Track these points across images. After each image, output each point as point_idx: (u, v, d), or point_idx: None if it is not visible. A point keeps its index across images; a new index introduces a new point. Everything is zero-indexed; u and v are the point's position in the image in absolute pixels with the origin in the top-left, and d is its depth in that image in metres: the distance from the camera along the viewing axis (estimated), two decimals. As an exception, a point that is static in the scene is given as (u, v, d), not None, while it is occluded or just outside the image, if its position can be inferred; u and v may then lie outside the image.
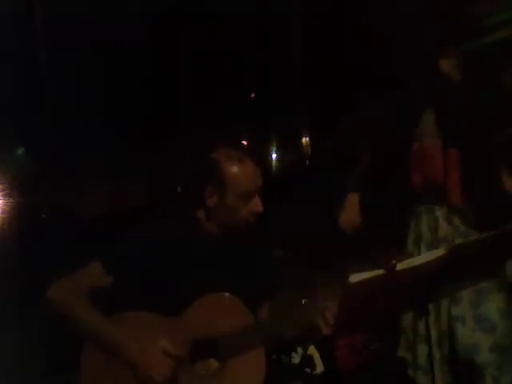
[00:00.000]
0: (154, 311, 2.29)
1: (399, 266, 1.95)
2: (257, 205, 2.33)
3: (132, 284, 2.30)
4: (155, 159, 4.13)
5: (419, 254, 2.75)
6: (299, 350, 3.03)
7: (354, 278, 1.90)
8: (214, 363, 2.28)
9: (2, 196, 3.74)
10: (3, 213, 3.74)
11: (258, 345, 2.25)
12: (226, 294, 2.28)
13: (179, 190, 4.04)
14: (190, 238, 2.36)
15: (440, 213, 2.79)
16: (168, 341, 2.23)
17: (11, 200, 3.74)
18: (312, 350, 3.07)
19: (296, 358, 3.03)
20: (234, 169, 2.31)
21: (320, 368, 3.06)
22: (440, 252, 2.01)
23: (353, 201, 2.96)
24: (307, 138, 4.30)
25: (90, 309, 2.26)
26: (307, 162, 4.31)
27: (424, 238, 2.80)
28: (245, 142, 4.27)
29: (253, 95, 4.30)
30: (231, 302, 2.28)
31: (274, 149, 4.40)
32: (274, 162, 4.40)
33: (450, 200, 2.77)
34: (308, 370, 2.98)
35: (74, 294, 2.27)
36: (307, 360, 3.02)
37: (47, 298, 2.29)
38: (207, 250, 2.36)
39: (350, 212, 2.95)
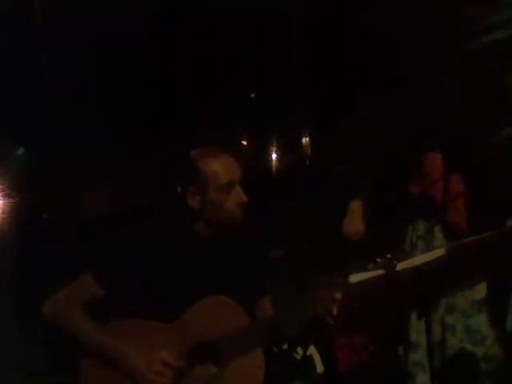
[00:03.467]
0: (151, 318, 2.28)
1: (399, 266, 1.95)
2: (240, 195, 2.32)
3: (126, 293, 2.29)
4: (155, 159, 4.13)
5: None
6: (299, 350, 3.03)
7: (354, 278, 1.91)
8: (213, 367, 2.28)
9: (2, 196, 3.74)
10: (3, 213, 3.74)
11: (257, 345, 2.24)
12: (223, 297, 2.28)
13: (179, 190, 4.04)
14: (181, 243, 2.34)
15: (437, 224, 2.79)
16: (168, 352, 2.23)
17: (11, 200, 3.74)
18: (312, 350, 3.07)
19: (296, 358, 3.03)
20: (209, 164, 2.31)
21: (320, 368, 3.07)
22: (440, 252, 2.01)
23: (356, 208, 2.93)
24: (307, 138, 4.30)
25: (87, 321, 2.25)
26: (307, 162, 4.31)
27: (419, 247, 2.80)
28: (245, 142, 4.27)
29: (253, 95, 4.30)
30: (228, 305, 2.27)
31: (274, 149, 4.40)
32: (273, 162, 4.40)
33: (449, 217, 2.75)
34: (308, 370, 2.98)
35: (69, 309, 2.25)
36: (307, 360, 3.03)
37: (43, 315, 2.29)
38: (200, 253, 2.35)
39: (354, 220, 2.92)
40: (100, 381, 2.26)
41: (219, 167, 2.31)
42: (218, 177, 2.30)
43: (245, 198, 2.32)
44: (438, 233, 2.77)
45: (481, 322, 2.67)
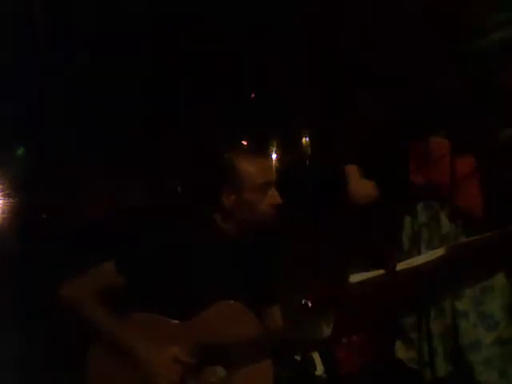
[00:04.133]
0: (167, 314, 2.29)
1: (399, 266, 1.95)
2: (275, 196, 2.36)
3: (145, 285, 2.30)
4: (155, 159, 4.13)
5: (418, 252, 2.74)
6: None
7: (354, 278, 1.91)
8: (222, 371, 2.28)
9: (2, 196, 3.74)
10: (3, 213, 3.73)
11: (267, 354, 2.24)
12: (236, 303, 2.28)
13: (179, 190, 4.04)
14: (205, 240, 2.35)
15: (441, 210, 2.77)
16: (179, 349, 2.23)
17: (11, 200, 3.74)
18: (312, 350, 3.07)
19: (296, 359, 3.03)
20: (248, 164, 2.34)
21: (320, 368, 3.07)
22: (440, 252, 2.02)
23: (354, 171, 2.82)
24: (307, 138, 4.30)
25: (103, 309, 2.27)
26: (307, 162, 4.31)
27: (423, 236, 2.78)
28: (245, 142, 4.26)
29: (253, 95, 4.30)
30: (241, 311, 2.28)
31: (274, 149, 4.39)
32: (273, 162, 4.40)
33: (458, 202, 2.73)
34: (308, 371, 2.98)
35: (86, 294, 2.28)
36: (308, 361, 3.03)
37: (59, 296, 2.30)
38: (223, 251, 2.36)
39: (359, 182, 2.77)
40: (108, 369, 2.26)
41: (256, 167, 2.35)
42: (254, 177, 2.33)
43: (279, 200, 2.35)
44: (444, 219, 2.75)
45: (493, 307, 2.68)
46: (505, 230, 2.06)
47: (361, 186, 2.75)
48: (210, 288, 2.28)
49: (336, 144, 3.31)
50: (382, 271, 1.94)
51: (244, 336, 2.23)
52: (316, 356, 3.07)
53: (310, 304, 2.32)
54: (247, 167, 2.34)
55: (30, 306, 3.47)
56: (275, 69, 4.07)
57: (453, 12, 2.86)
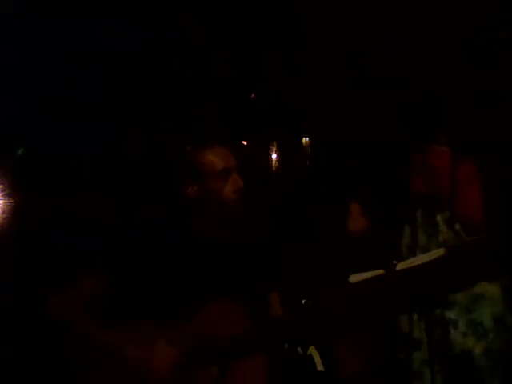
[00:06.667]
0: (155, 319, 2.28)
1: (399, 266, 1.95)
2: (236, 181, 2.38)
3: (128, 292, 2.29)
4: (154, 160, 4.13)
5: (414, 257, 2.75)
6: (299, 350, 3.03)
7: (354, 278, 1.91)
8: (215, 370, 2.28)
9: (2, 196, 3.73)
10: (3, 213, 3.73)
11: (260, 348, 2.24)
12: (227, 300, 2.28)
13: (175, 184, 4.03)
14: (182, 240, 2.36)
15: (440, 217, 2.78)
16: (167, 341, 2.23)
17: (11, 200, 3.74)
18: (312, 350, 3.07)
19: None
20: (205, 154, 2.39)
21: (320, 368, 3.06)
22: (440, 252, 2.02)
23: (355, 209, 3.02)
24: (307, 138, 4.31)
25: (90, 321, 2.26)
26: (307, 162, 4.31)
27: (420, 243, 2.80)
28: (245, 142, 4.27)
29: (253, 95, 4.30)
30: (232, 308, 2.28)
31: (274, 149, 4.40)
32: (273, 162, 4.40)
33: (457, 210, 2.75)
34: (307, 371, 2.98)
35: (72, 308, 2.27)
36: (307, 361, 3.02)
37: (47, 314, 2.30)
38: (202, 252, 2.36)
39: (356, 220, 3.00)
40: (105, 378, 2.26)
41: (214, 156, 2.38)
42: (213, 165, 2.37)
43: (241, 184, 2.37)
44: (442, 226, 2.77)
45: (483, 315, 2.68)
46: (504, 231, 2.06)
47: (358, 224, 3.05)
48: (197, 288, 2.28)
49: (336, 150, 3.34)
50: (381, 271, 1.94)
51: (236, 333, 2.22)
52: (316, 356, 3.07)
53: (309, 304, 2.32)
54: (205, 157, 2.38)
55: (29, 305, 3.47)
56: (275, 69, 4.08)
57: (454, 11, 2.86)
